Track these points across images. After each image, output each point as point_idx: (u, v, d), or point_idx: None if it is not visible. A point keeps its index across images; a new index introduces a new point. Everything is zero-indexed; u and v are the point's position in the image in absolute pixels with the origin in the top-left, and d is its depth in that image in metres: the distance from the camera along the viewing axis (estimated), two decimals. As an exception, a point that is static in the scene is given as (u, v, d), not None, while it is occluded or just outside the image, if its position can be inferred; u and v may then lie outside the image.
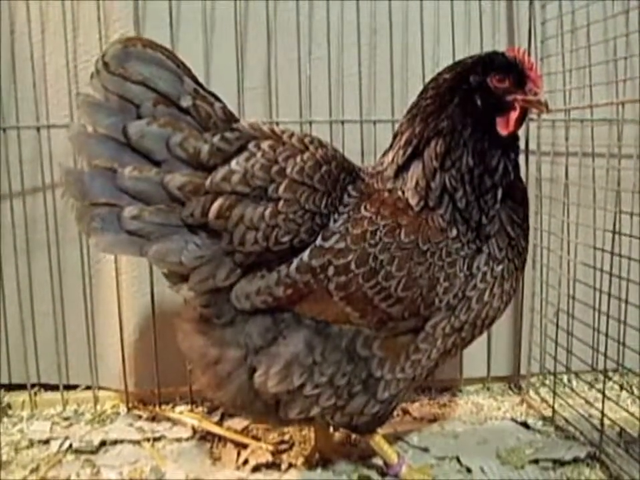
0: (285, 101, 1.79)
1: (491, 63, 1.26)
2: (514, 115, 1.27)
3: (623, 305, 1.59)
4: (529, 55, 1.28)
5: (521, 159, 1.40)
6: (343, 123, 1.80)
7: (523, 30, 1.85)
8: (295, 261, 1.20)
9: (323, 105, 1.78)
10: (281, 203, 1.17)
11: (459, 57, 1.35)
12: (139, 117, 1.14)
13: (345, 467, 1.48)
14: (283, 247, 1.18)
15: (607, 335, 1.63)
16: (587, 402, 1.65)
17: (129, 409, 1.82)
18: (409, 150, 1.28)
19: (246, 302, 1.21)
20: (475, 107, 1.25)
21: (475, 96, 1.25)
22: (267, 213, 1.16)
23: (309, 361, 1.21)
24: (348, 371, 1.23)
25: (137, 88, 1.13)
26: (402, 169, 1.28)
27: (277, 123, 1.70)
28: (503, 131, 1.26)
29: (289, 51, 1.76)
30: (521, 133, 1.44)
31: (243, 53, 1.74)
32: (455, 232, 1.23)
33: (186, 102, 1.15)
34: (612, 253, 1.55)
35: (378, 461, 1.46)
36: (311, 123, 1.78)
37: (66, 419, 1.77)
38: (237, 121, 1.22)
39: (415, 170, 1.26)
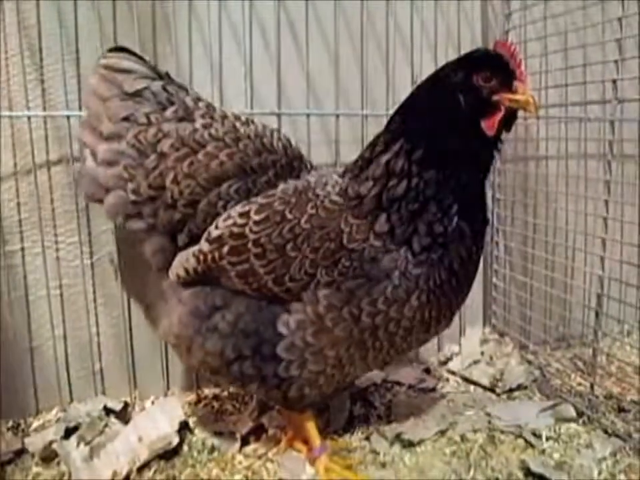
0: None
1: (477, 59, 1.23)
2: (498, 116, 1.20)
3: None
4: (517, 50, 1.20)
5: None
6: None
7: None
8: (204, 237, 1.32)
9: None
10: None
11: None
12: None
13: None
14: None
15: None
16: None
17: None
18: (374, 149, 1.28)
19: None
20: (458, 108, 1.20)
21: (459, 95, 1.20)
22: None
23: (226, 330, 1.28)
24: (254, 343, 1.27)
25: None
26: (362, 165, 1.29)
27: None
28: (489, 132, 1.21)
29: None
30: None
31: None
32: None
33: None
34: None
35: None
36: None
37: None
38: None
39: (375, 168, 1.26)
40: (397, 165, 1.23)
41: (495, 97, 1.20)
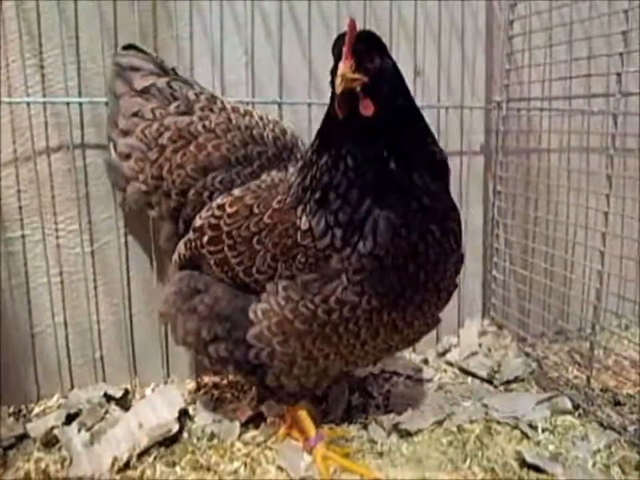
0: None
1: (334, 43, 1.12)
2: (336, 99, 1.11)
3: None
4: (353, 26, 1.06)
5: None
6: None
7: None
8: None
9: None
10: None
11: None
12: None
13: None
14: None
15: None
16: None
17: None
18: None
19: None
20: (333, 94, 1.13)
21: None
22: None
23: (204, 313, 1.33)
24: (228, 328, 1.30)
25: None
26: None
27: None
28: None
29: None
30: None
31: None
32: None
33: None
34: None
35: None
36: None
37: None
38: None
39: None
40: (307, 156, 1.25)
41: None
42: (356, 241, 1.17)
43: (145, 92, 1.46)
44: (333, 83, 1.11)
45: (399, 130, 1.16)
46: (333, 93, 1.12)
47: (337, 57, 1.09)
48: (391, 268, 1.17)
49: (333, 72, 1.11)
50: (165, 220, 1.48)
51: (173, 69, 1.51)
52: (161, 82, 1.47)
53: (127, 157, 1.46)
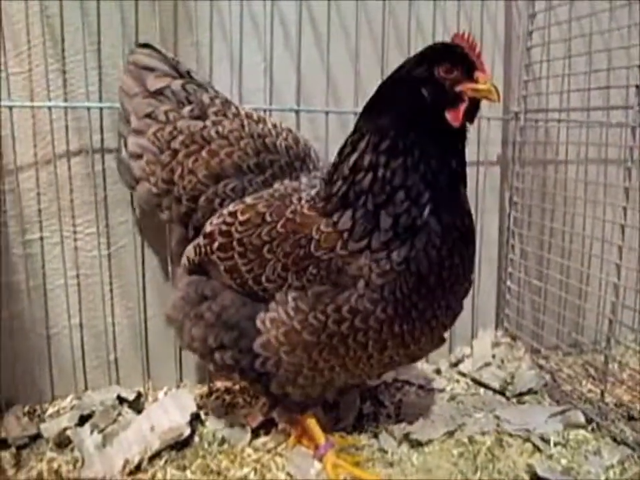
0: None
1: (438, 52, 1.22)
2: (462, 107, 1.20)
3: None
4: (475, 42, 1.20)
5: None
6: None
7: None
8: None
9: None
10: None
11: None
12: None
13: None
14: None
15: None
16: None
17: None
18: (345, 149, 1.26)
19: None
20: (422, 101, 1.20)
21: (422, 89, 1.19)
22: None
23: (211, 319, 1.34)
24: (234, 337, 1.31)
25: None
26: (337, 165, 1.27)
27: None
28: (454, 124, 1.20)
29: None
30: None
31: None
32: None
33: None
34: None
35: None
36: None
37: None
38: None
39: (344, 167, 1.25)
40: (364, 160, 1.22)
41: (458, 88, 1.20)
42: (398, 245, 1.18)
43: (158, 93, 1.45)
44: (415, 89, 1.19)
45: (464, 141, 1.25)
46: (435, 100, 1.19)
47: (462, 65, 1.19)
48: (416, 277, 1.19)
49: (427, 80, 1.19)
50: (175, 224, 1.49)
51: (188, 72, 1.50)
52: (176, 84, 1.46)
53: (139, 157, 1.46)
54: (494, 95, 1.19)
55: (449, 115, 1.20)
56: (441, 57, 1.20)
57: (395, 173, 1.19)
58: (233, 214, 1.33)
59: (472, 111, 1.22)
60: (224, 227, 1.33)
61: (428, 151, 1.20)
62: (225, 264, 1.32)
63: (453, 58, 1.19)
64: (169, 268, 1.71)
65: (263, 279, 1.27)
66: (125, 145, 1.49)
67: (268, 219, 1.28)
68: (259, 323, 1.28)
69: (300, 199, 1.29)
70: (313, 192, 1.30)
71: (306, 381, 1.32)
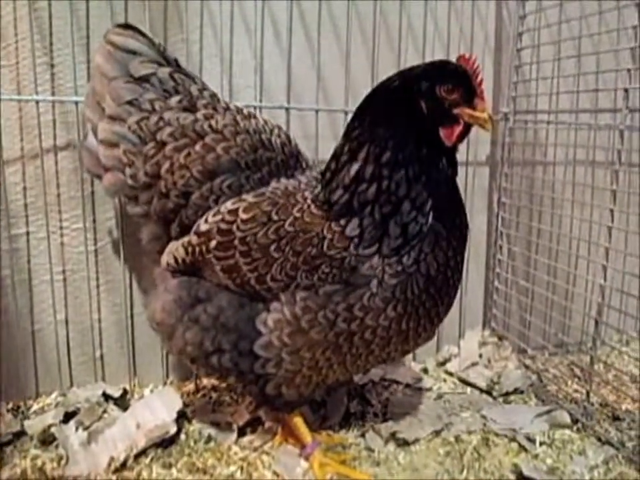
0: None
1: (442, 71, 1.24)
2: (457, 129, 1.24)
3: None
4: (479, 68, 1.24)
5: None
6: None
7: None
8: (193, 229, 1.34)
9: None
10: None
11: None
12: None
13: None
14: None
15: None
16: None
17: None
18: (342, 157, 1.27)
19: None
20: (420, 114, 1.22)
21: (422, 102, 1.22)
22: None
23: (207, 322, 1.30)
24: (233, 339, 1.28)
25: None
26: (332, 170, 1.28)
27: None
28: (447, 142, 1.25)
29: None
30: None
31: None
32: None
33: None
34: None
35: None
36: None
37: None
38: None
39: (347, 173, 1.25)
40: (366, 171, 1.23)
41: (456, 110, 1.23)
42: (408, 250, 1.21)
43: (143, 80, 1.35)
44: (414, 101, 1.22)
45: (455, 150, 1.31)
46: (432, 116, 1.23)
47: (464, 89, 1.22)
48: (425, 278, 1.23)
49: (427, 95, 1.22)
50: (152, 220, 1.39)
51: (176, 60, 1.42)
52: (163, 72, 1.37)
53: (112, 145, 1.35)
54: (489, 126, 1.23)
55: (442, 133, 1.24)
56: (445, 76, 1.23)
57: (400, 185, 1.21)
58: (233, 212, 1.28)
59: (464, 134, 1.26)
60: (223, 225, 1.28)
61: (427, 161, 1.23)
62: (223, 263, 1.28)
63: (456, 80, 1.22)
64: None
65: (268, 278, 1.24)
66: (94, 131, 1.38)
67: (274, 217, 1.25)
68: (259, 324, 1.26)
69: (305, 198, 1.28)
70: (315, 192, 1.29)
71: (303, 380, 1.32)
